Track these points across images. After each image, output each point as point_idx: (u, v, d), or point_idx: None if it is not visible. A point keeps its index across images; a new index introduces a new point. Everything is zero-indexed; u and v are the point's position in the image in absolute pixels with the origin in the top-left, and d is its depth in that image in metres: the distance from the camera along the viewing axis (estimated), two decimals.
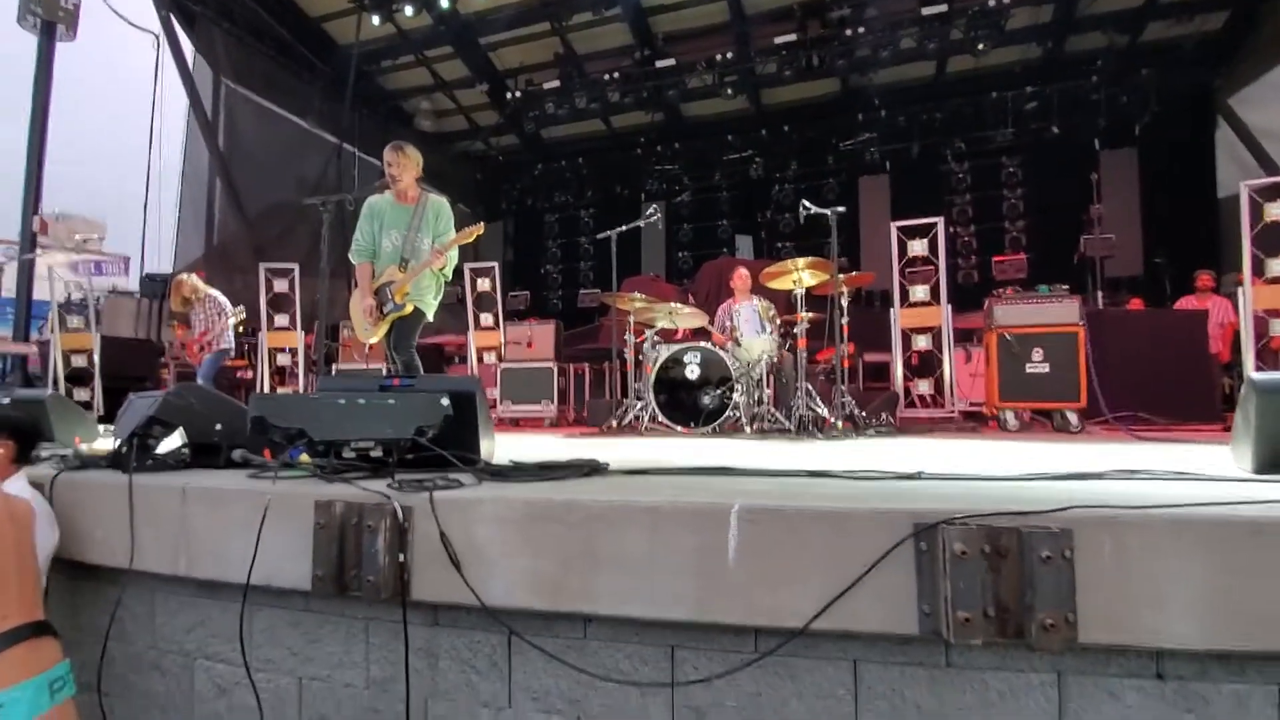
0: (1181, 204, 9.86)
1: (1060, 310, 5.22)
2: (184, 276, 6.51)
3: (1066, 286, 5.47)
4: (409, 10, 9.03)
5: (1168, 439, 4.17)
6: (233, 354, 6.57)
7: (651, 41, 10.24)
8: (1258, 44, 8.90)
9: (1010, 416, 5.30)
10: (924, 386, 6.48)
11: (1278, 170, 8.32)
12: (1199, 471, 2.02)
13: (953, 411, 6.27)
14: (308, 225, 9.13)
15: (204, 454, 2.30)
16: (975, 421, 6.06)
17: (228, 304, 6.33)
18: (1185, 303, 7.59)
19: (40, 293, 8.05)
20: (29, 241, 7.47)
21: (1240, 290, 5.06)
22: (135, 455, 2.11)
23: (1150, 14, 9.19)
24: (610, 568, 1.58)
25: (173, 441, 2.28)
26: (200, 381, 5.98)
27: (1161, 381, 5.57)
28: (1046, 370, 5.13)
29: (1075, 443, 4.03)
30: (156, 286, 9.53)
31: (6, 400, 2.95)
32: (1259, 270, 4.97)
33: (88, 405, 6.95)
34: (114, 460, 2.26)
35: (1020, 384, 5.20)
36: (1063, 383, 5.07)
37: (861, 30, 8.99)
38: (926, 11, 8.67)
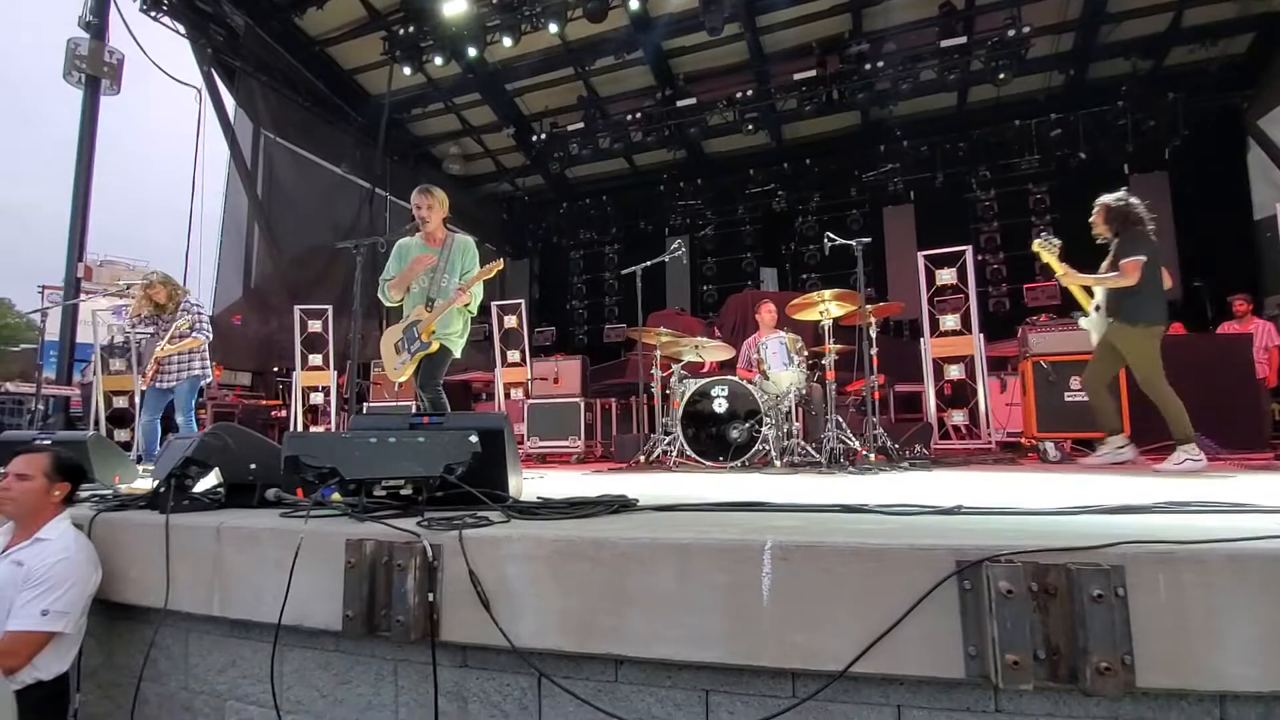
0: (1216, 227, 9.64)
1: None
2: (156, 275, 5.47)
3: None
4: (438, 60, 9.36)
5: (1218, 469, 4.00)
6: (208, 381, 5.71)
7: (673, 81, 10.47)
8: None
9: (1050, 447, 5.15)
10: (958, 417, 6.35)
11: None
12: (1253, 503, 1.93)
13: (989, 442, 6.12)
14: (341, 267, 9.41)
15: (239, 493, 2.33)
16: (1013, 452, 5.89)
17: (208, 323, 5.51)
18: (1226, 328, 7.37)
19: (84, 336, 8.34)
20: (73, 287, 7.76)
21: None
22: (172, 495, 2.15)
23: (1173, 39, 9.15)
24: (640, 607, 1.55)
25: (209, 481, 2.32)
26: (179, 420, 5.37)
27: (1208, 408, 5.37)
28: (1086, 399, 4.98)
29: (1121, 474, 3.88)
30: None
31: (48, 441, 3.04)
32: None
33: (127, 446, 7.13)
34: (151, 500, 2.30)
35: (1059, 414, 5.06)
36: None
37: (880, 64, 9.08)
38: (945, 44, 8.74)
